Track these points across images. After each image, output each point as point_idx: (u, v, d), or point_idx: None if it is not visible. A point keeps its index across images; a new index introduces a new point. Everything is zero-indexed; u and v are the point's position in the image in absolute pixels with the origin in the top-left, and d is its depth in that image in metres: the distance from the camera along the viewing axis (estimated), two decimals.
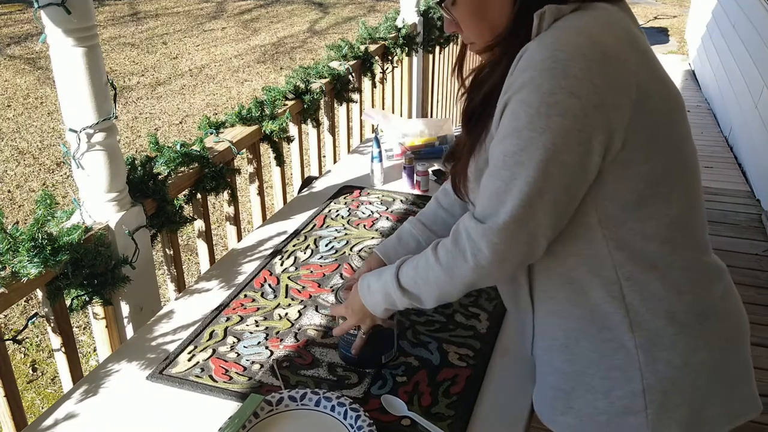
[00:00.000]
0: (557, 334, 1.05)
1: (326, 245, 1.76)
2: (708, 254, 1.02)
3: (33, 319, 1.50)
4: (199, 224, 2.05)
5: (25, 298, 3.13)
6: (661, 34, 9.40)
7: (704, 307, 0.99)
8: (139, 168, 1.73)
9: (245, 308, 1.50)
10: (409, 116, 3.89)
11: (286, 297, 1.54)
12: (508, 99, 0.89)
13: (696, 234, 1.00)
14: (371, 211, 1.95)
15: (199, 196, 1.97)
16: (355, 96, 2.99)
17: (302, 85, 2.53)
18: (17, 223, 4.12)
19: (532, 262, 0.97)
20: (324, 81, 2.65)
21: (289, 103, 2.44)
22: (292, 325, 1.43)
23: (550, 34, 0.88)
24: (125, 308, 1.64)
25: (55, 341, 1.53)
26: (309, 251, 1.73)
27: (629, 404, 0.98)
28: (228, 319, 1.46)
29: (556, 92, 0.84)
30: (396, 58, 3.44)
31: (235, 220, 2.22)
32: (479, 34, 1.02)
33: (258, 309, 1.50)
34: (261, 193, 2.37)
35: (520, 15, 0.94)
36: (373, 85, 3.23)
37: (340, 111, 2.97)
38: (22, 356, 3.00)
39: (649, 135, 0.90)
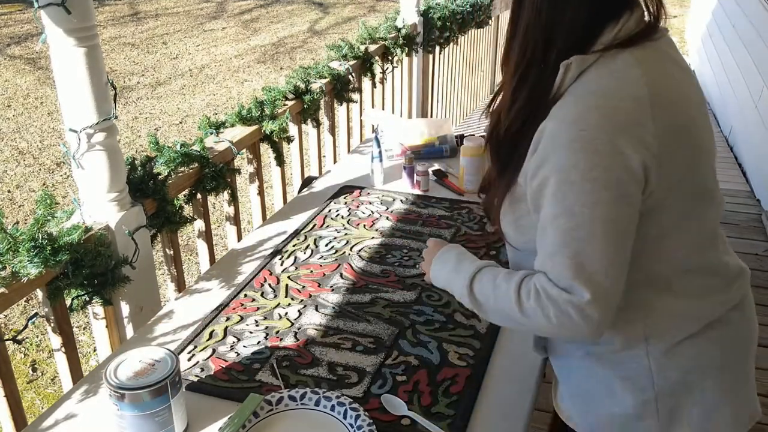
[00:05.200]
0: (580, 344, 1.09)
1: (326, 245, 1.76)
2: (723, 267, 1.06)
3: (33, 319, 1.50)
4: (199, 224, 2.05)
5: (25, 298, 3.13)
6: None
7: (714, 317, 1.03)
8: (139, 168, 1.73)
9: (245, 308, 1.50)
10: (409, 116, 3.89)
11: (286, 297, 1.54)
12: (545, 177, 0.94)
13: (711, 253, 1.05)
14: (371, 211, 1.95)
15: (199, 196, 1.97)
16: (355, 96, 2.99)
17: (302, 85, 2.53)
18: (17, 223, 4.12)
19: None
20: (324, 81, 2.65)
21: (289, 103, 2.44)
22: (292, 324, 1.43)
23: (571, 109, 0.93)
24: (125, 308, 1.64)
25: (55, 341, 1.53)
26: (309, 251, 1.73)
27: (642, 411, 1.04)
28: (228, 318, 1.46)
29: (593, 169, 0.90)
30: (396, 58, 3.44)
31: (235, 220, 2.22)
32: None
33: (258, 309, 1.50)
34: (261, 193, 2.37)
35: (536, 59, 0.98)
36: (373, 85, 3.24)
37: (340, 111, 2.97)
38: (22, 356, 3.00)
39: (673, 182, 0.96)
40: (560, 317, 0.93)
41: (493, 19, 5.28)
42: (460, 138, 2.43)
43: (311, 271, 1.64)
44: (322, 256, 1.71)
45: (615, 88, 0.93)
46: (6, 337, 1.43)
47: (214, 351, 1.35)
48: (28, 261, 1.34)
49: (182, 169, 1.86)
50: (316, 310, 1.48)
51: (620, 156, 0.90)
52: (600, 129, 0.91)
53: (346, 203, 2.01)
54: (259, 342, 1.38)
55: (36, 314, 1.51)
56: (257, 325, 1.43)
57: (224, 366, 1.30)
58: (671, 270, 1.01)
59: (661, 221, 0.97)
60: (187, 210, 1.94)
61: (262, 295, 1.55)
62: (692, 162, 0.98)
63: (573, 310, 0.92)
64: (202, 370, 1.30)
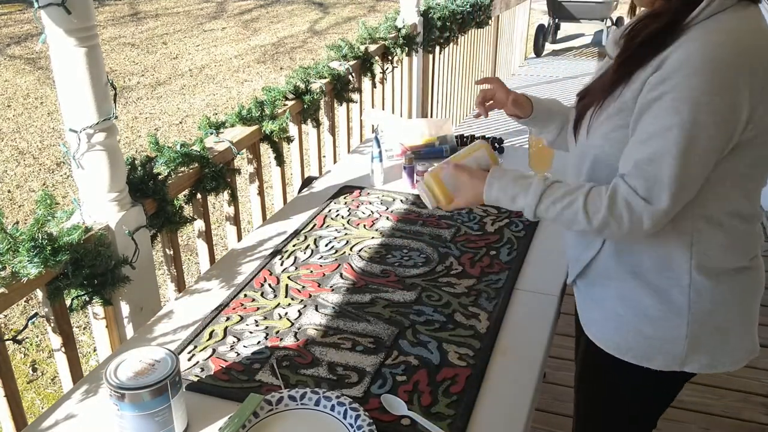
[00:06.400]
0: (625, 266, 1.20)
1: (326, 245, 1.76)
2: (759, 221, 1.20)
3: (33, 319, 1.50)
4: (199, 224, 2.05)
5: (25, 298, 3.13)
6: None
7: (747, 261, 1.17)
8: (139, 168, 1.73)
9: (245, 308, 1.50)
10: (409, 116, 3.89)
11: (286, 296, 1.54)
12: (663, 93, 1.03)
13: (757, 207, 1.17)
14: (371, 211, 1.95)
15: (199, 196, 1.97)
16: (355, 96, 2.99)
17: (302, 85, 2.53)
18: (17, 223, 4.12)
19: None
20: (324, 81, 2.65)
21: (289, 103, 2.44)
22: (292, 324, 1.43)
23: (705, 38, 1.02)
24: (125, 308, 1.64)
25: (55, 341, 1.53)
26: (309, 251, 1.73)
27: (673, 333, 1.17)
28: (228, 318, 1.46)
29: (710, 93, 1.00)
30: (396, 58, 3.44)
31: (235, 220, 2.22)
32: None
33: (258, 309, 1.50)
34: (261, 193, 2.37)
35: None
36: (373, 85, 3.23)
37: (340, 111, 2.97)
38: (22, 356, 3.00)
39: (758, 132, 1.05)
40: (633, 223, 1.07)
41: (493, 19, 5.28)
42: (460, 138, 2.43)
43: (311, 271, 1.64)
44: (322, 256, 1.71)
45: (747, 31, 1.03)
46: (6, 337, 1.43)
47: (214, 351, 1.35)
48: (28, 261, 1.34)
49: (182, 169, 1.86)
50: (316, 310, 1.48)
51: (737, 91, 1.01)
52: (729, 63, 1.01)
53: (346, 203, 2.01)
54: (259, 342, 1.38)
55: (36, 314, 1.51)
56: (257, 325, 1.43)
57: (224, 366, 1.30)
58: (726, 210, 1.12)
59: (733, 164, 1.07)
60: (187, 210, 1.94)
61: (262, 295, 1.55)
62: None
63: (647, 216, 1.06)
64: (202, 370, 1.30)
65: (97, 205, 1.57)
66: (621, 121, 1.11)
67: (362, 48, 3.05)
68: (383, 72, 3.35)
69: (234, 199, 2.14)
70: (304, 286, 1.58)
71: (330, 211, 1.96)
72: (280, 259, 1.70)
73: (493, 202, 1.21)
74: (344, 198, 2.05)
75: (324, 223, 1.89)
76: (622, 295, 1.21)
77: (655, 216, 1.06)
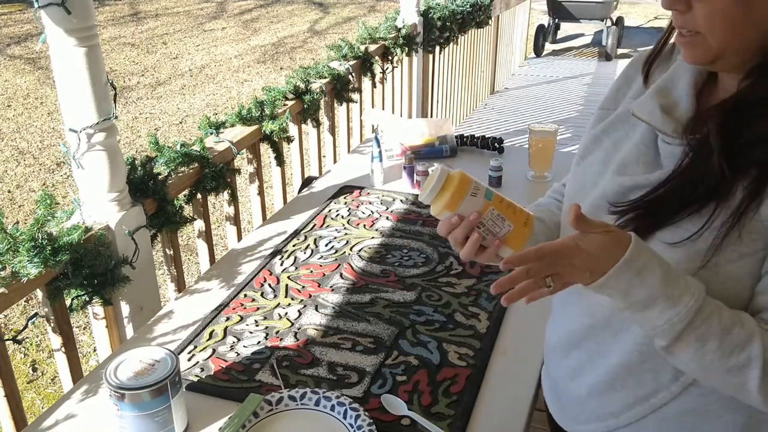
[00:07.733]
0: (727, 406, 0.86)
1: (326, 245, 1.76)
2: None
3: (33, 319, 1.50)
4: (199, 224, 2.05)
5: (25, 298, 3.13)
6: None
7: None
8: (139, 168, 1.73)
9: (245, 308, 1.50)
10: (409, 116, 3.89)
11: (286, 296, 1.54)
12: None
13: None
14: (371, 211, 1.95)
15: (199, 196, 1.97)
16: (355, 96, 2.99)
17: (302, 85, 2.53)
18: (17, 223, 4.12)
19: None
20: (324, 81, 2.65)
21: (289, 103, 2.44)
22: (292, 324, 1.43)
23: None
24: (125, 308, 1.65)
25: (55, 341, 1.53)
26: (309, 251, 1.73)
27: None
28: (228, 318, 1.46)
29: None
30: (396, 58, 3.44)
31: (235, 220, 2.22)
32: (724, 33, 0.77)
33: (258, 309, 1.50)
34: (261, 193, 2.37)
35: None
36: (373, 85, 3.24)
37: (340, 111, 2.97)
38: (22, 356, 3.00)
39: None
40: None
41: (493, 19, 5.28)
42: (460, 138, 2.43)
43: (311, 271, 1.64)
44: (322, 256, 1.71)
45: None
46: (6, 337, 1.43)
47: (214, 351, 1.35)
48: (28, 261, 1.34)
49: (182, 169, 1.86)
50: (316, 310, 1.48)
51: None
52: None
53: (346, 203, 2.01)
54: (259, 342, 1.38)
55: (36, 314, 1.51)
56: (257, 325, 1.43)
57: (224, 366, 1.30)
58: None
59: None
60: (187, 210, 1.94)
61: (262, 295, 1.55)
62: None
63: None
64: (202, 370, 1.30)
65: (97, 205, 1.57)
66: (747, 248, 0.75)
67: (362, 48, 3.05)
68: (383, 72, 3.35)
69: (234, 199, 2.14)
70: (304, 286, 1.58)
71: (330, 211, 1.96)
72: (280, 259, 1.70)
73: (611, 287, 0.74)
74: (344, 198, 2.05)
75: (324, 223, 1.89)
76: None
77: None
